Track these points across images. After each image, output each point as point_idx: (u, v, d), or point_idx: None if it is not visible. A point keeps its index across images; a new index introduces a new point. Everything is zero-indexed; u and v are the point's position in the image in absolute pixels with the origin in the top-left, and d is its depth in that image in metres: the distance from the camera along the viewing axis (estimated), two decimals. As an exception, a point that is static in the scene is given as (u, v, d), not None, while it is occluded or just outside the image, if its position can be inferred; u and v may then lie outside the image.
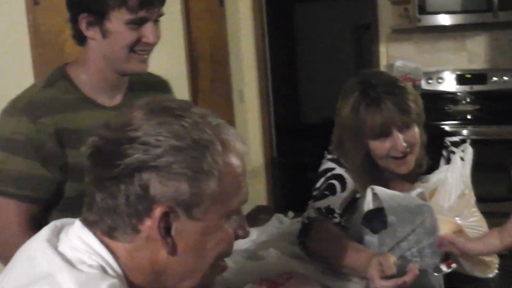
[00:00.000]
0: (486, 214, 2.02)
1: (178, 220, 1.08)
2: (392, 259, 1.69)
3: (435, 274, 1.75)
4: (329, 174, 2.09)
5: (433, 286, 1.78)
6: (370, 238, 1.85)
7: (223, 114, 5.24)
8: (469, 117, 5.24)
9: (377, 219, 1.86)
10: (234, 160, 1.12)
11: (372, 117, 1.92)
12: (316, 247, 1.94)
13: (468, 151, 1.96)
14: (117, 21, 1.70)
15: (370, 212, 1.88)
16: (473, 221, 1.95)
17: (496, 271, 2.00)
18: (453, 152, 2.12)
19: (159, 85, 2.05)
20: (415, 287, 1.70)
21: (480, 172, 2.10)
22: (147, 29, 1.73)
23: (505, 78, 5.42)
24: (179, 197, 1.06)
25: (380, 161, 1.98)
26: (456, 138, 2.19)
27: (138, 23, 1.71)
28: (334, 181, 2.07)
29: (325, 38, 7.83)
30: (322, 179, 2.09)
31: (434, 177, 2.00)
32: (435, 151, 2.11)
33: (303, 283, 1.70)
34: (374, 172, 2.02)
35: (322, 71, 7.75)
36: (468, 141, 2.03)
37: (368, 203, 1.89)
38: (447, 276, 1.86)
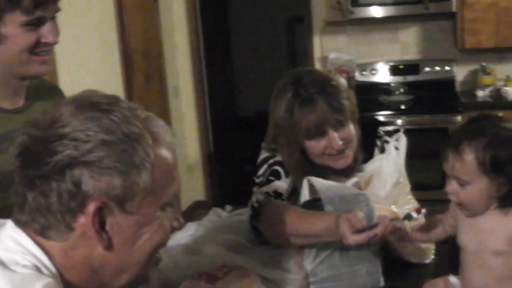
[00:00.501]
0: (421, 201, 2.04)
1: (112, 215, 1.06)
2: (360, 214, 1.70)
3: (407, 221, 1.81)
4: (271, 161, 2.07)
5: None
6: (308, 229, 1.85)
7: (158, 110, 5.22)
8: (403, 107, 5.33)
9: (314, 209, 1.86)
10: (165, 152, 1.12)
11: (306, 118, 1.91)
12: (271, 225, 1.90)
13: (402, 140, 1.98)
14: (12, 24, 1.60)
15: (307, 202, 1.87)
16: (408, 208, 1.96)
17: (433, 256, 2.04)
18: (387, 142, 2.15)
19: (53, 89, 1.98)
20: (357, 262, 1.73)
21: (414, 160, 2.12)
22: (46, 29, 1.64)
23: (437, 68, 5.54)
24: (112, 191, 1.05)
25: (316, 159, 1.98)
26: (389, 128, 2.22)
27: (35, 24, 1.62)
28: (277, 167, 2.05)
29: (259, 31, 7.85)
30: (265, 166, 2.07)
31: (369, 167, 2.01)
32: (369, 142, 2.12)
33: (242, 275, 1.68)
34: (310, 168, 2.02)
35: (257, 64, 7.78)
36: (402, 129, 2.05)
37: (305, 194, 1.89)
38: (386, 262, 1.89)
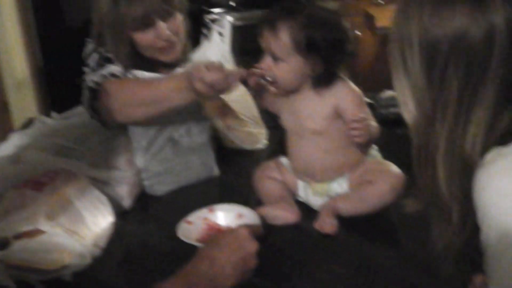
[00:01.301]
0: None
1: None
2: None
3: None
4: (100, 49, 1.93)
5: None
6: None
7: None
8: (232, 3, 5.27)
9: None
10: None
11: (132, 9, 1.77)
12: (113, 100, 1.75)
13: (225, 26, 1.92)
14: None
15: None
16: (238, 95, 1.93)
17: (265, 141, 2.04)
18: (213, 30, 2.10)
19: None
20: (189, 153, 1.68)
21: (246, 56, 2.07)
22: None
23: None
24: None
25: (145, 51, 1.87)
26: (216, 16, 2.16)
27: None
28: (107, 54, 1.91)
29: None
30: (94, 54, 1.87)
31: (194, 57, 1.95)
32: (196, 30, 2.04)
33: (70, 179, 1.59)
34: (139, 62, 1.91)
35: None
36: (227, 16, 2.00)
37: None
38: (218, 151, 1.87)
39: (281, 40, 1.49)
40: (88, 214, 1.53)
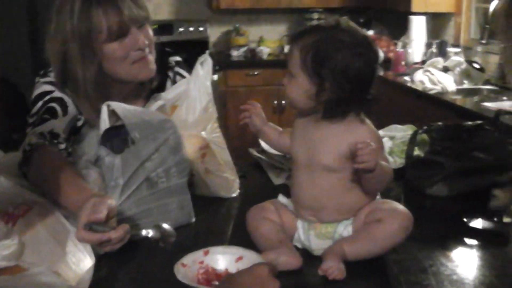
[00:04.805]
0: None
1: None
2: (110, 202, 1.45)
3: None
4: (47, 97, 1.82)
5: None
6: (112, 160, 1.60)
7: None
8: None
9: (117, 137, 1.62)
10: None
11: (108, 17, 1.70)
12: (36, 176, 1.65)
13: (207, 62, 1.81)
14: None
15: (109, 130, 1.62)
16: (216, 136, 1.82)
17: (238, 190, 1.92)
18: (179, 73, 2.03)
19: None
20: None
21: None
22: None
23: (191, 28, 5.49)
24: None
25: (119, 67, 1.75)
26: (179, 58, 2.08)
27: None
28: (54, 104, 1.81)
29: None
30: (40, 103, 1.81)
31: (172, 93, 1.83)
32: (161, 71, 1.94)
33: (45, 214, 1.41)
34: (106, 91, 1.80)
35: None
36: (208, 51, 1.91)
37: (105, 121, 1.63)
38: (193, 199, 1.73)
39: (294, 56, 1.43)
40: (69, 253, 1.35)
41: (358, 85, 1.40)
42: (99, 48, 1.72)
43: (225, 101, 5.05)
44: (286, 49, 5.26)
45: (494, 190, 1.74)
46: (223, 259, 1.40)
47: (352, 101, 1.42)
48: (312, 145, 1.48)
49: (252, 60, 5.42)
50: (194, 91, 1.76)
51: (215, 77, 1.70)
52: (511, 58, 0.97)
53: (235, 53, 5.46)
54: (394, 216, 1.43)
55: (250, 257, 1.37)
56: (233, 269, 1.36)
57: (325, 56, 1.38)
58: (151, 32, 1.82)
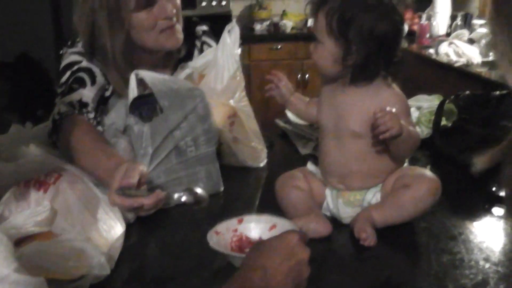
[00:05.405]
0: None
1: None
2: (142, 169, 1.45)
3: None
4: (75, 67, 1.82)
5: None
6: (141, 128, 1.61)
7: None
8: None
9: (146, 105, 1.63)
10: None
11: None
12: (66, 144, 1.66)
13: (235, 30, 1.81)
14: None
15: (138, 98, 1.63)
16: (244, 105, 1.81)
17: (266, 159, 1.92)
18: (206, 43, 2.02)
19: None
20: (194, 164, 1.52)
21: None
22: None
23: (214, 3, 5.46)
24: None
25: (147, 36, 1.75)
26: (205, 27, 2.07)
27: None
28: (82, 74, 1.80)
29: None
30: (68, 73, 1.81)
31: (200, 61, 1.83)
32: (188, 42, 1.94)
33: (74, 181, 1.42)
34: (134, 60, 1.80)
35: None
36: (234, 19, 1.90)
37: (133, 90, 1.64)
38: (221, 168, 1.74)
39: (319, 22, 1.41)
40: (100, 221, 1.36)
41: (384, 46, 1.39)
42: (127, 17, 1.72)
43: (248, 75, 5.05)
44: (310, 22, 5.22)
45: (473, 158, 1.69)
46: (257, 227, 1.39)
47: (379, 64, 1.41)
48: (340, 111, 1.47)
49: (275, 34, 5.39)
50: (222, 59, 1.76)
51: (239, 50, 1.70)
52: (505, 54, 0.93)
53: (258, 27, 5.43)
54: (422, 181, 1.42)
55: (283, 225, 1.37)
56: (266, 238, 1.36)
57: (351, 18, 1.37)
58: (178, 1, 1.81)
